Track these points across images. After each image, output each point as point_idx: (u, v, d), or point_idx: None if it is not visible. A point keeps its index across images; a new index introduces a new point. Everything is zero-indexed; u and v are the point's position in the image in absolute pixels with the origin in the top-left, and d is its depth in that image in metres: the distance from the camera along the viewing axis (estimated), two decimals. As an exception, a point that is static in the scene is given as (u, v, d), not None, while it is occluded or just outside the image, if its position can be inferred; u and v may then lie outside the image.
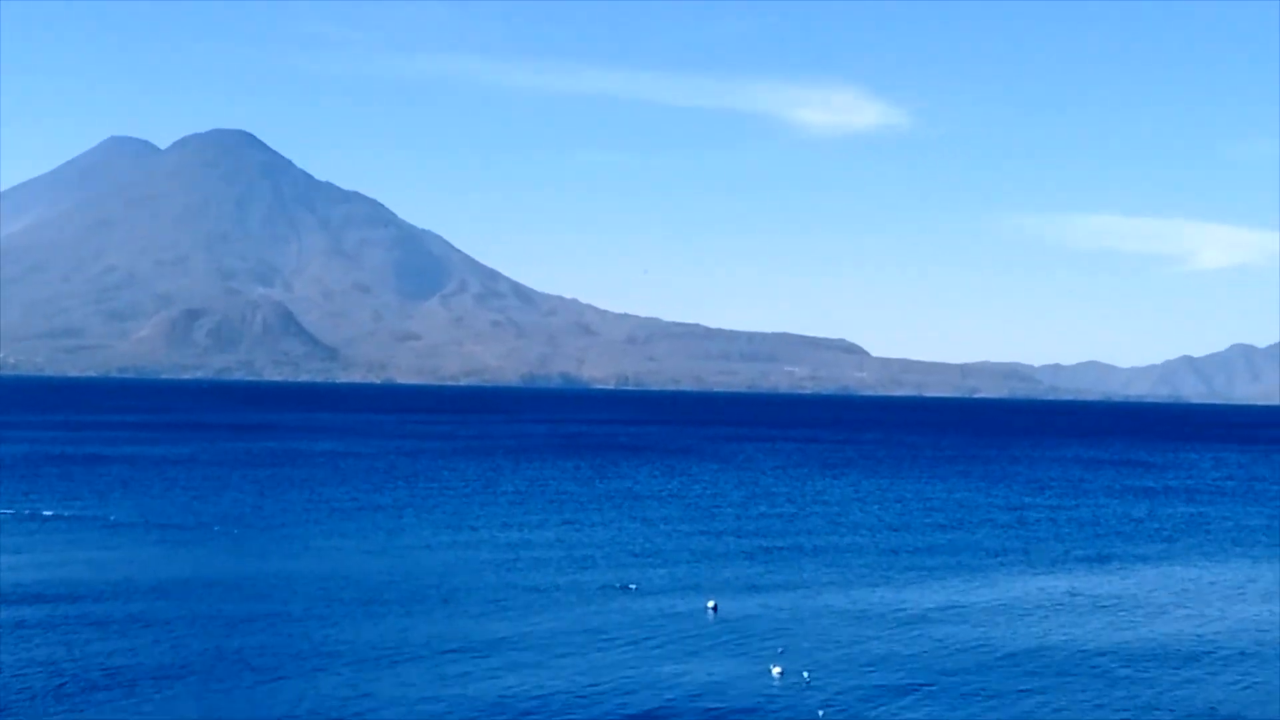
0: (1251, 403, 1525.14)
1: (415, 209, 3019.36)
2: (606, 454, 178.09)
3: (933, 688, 45.32)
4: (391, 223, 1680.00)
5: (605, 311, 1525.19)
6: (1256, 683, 47.74)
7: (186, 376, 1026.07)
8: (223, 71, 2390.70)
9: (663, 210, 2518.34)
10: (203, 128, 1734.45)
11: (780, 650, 50.18)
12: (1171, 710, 43.50)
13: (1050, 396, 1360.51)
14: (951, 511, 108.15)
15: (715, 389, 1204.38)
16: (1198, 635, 56.27)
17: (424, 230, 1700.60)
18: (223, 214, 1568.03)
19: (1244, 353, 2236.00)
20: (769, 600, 61.69)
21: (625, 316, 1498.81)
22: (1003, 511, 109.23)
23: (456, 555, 74.21)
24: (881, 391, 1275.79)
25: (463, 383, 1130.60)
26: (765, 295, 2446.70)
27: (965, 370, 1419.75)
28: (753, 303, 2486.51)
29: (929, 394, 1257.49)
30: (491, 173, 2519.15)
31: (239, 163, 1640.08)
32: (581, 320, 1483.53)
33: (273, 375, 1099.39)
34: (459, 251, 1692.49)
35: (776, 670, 46.87)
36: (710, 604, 59.30)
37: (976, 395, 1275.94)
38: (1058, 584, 69.46)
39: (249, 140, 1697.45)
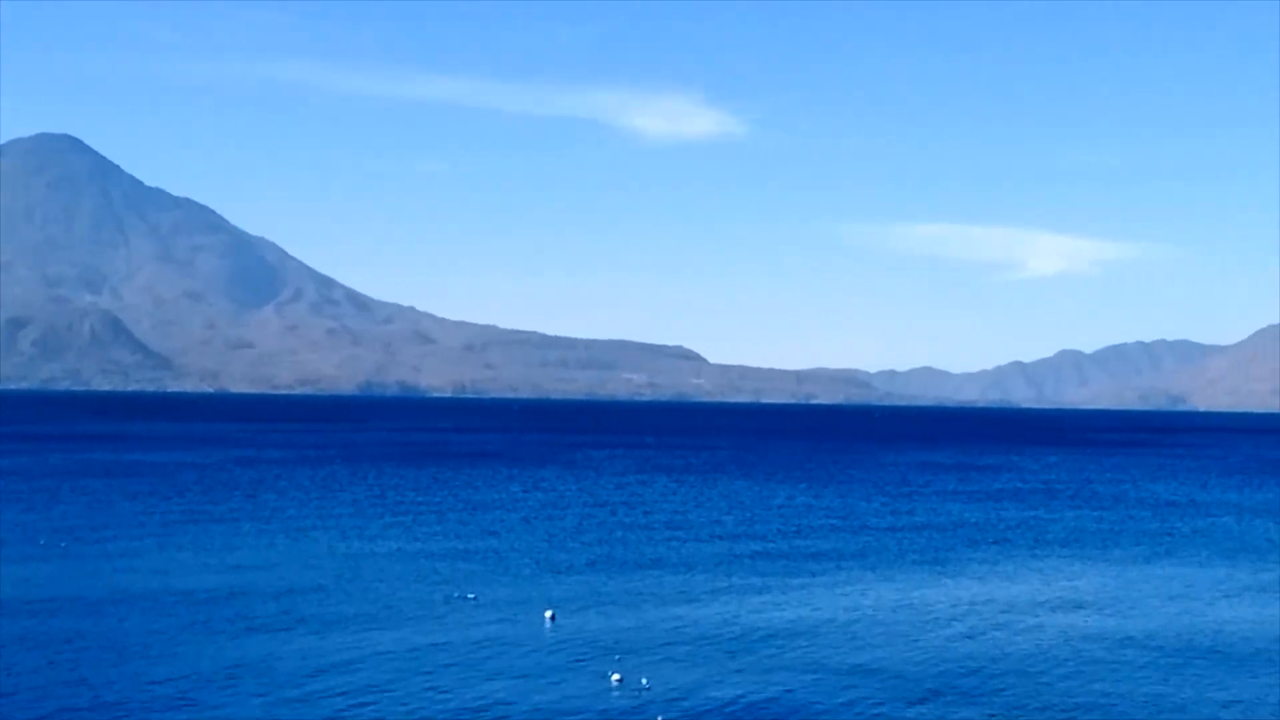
0: (1079, 407, 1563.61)
1: (249, 216, 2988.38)
2: (446, 462, 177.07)
3: (770, 695, 45.59)
4: (224, 229, 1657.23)
5: (443, 319, 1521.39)
6: (1090, 688, 48.70)
7: (11, 387, 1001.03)
8: (48, 75, 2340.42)
9: (500, 217, 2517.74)
10: (27, 132, 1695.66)
11: (619, 658, 50.19)
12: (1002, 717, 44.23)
13: (885, 402, 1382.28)
14: (792, 517, 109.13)
15: (553, 396, 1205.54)
16: (1038, 642, 57.34)
17: (257, 237, 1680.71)
18: (49, 220, 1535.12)
19: (1072, 358, 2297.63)
20: (609, 609, 61.69)
21: (463, 324, 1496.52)
22: (842, 517, 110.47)
23: (294, 567, 73.18)
24: (719, 398, 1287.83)
25: (298, 392, 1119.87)
26: (603, 303, 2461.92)
27: (801, 376, 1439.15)
28: (591, 310, 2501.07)
29: (766, 400, 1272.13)
30: (327, 179, 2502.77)
31: (65, 168, 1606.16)
32: (418, 328, 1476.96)
33: (101, 385, 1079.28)
34: (294, 259, 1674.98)
35: (615, 678, 46.86)
36: (549, 614, 59.15)
37: (813, 401, 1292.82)
38: (896, 588, 70.34)
39: (75, 145, 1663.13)
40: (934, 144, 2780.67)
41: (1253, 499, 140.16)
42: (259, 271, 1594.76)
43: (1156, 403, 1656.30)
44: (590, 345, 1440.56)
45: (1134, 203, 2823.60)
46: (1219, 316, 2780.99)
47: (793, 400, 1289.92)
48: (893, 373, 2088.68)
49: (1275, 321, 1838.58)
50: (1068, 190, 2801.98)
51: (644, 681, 46.43)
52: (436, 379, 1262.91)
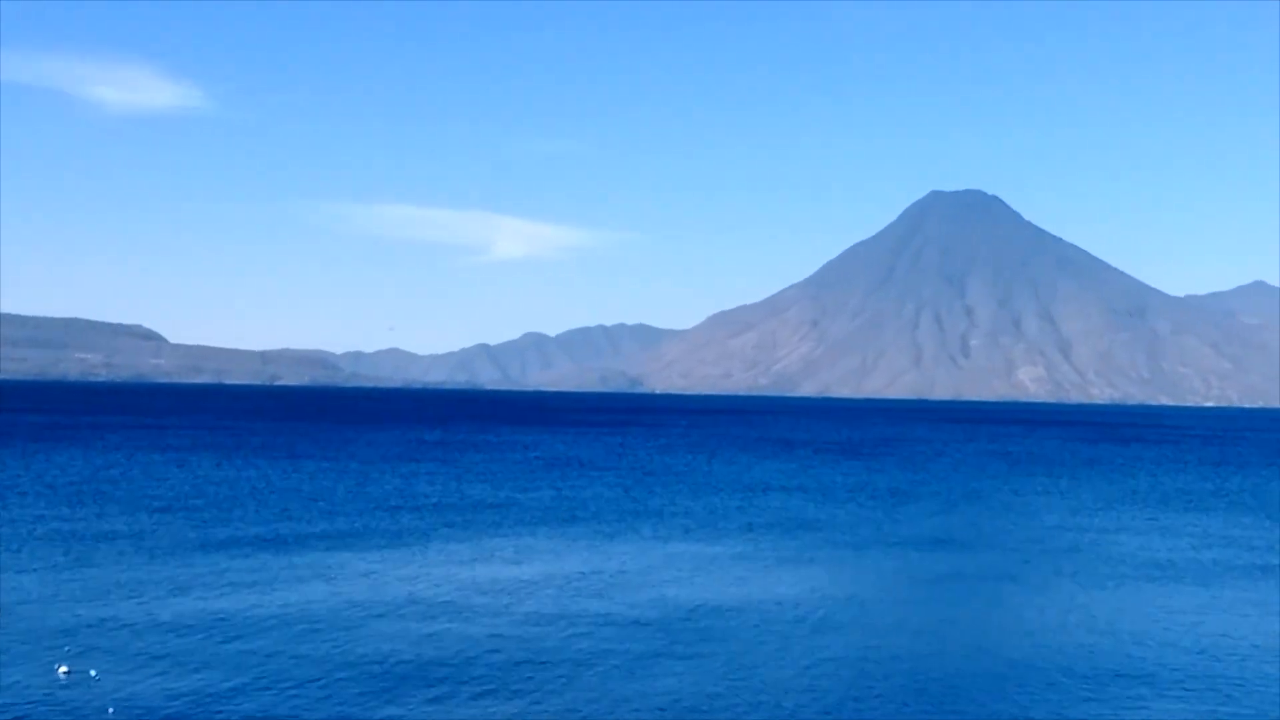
0: (543, 389, 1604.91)
1: None
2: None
3: (224, 685, 42.56)
4: None
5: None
6: (575, 648, 47.92)
7: None
8: None
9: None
10: None
11: (67, 649, 45.89)
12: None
13: (352, 384, 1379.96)
14: (265, 499, 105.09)
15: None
16: (503, 622, 56.43)
17: None
18: None
19: (536, 341, 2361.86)
20: (59, 595, 56.88)
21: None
22: (314, 499, 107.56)
23: None
24: (181, 379, 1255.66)
25: None
26: (55, 279, 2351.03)
27: (266, 357, 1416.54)
28: (41, 286, 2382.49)
29: (230, 381, 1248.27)
30: None
31: None
32: None
33: None
34: None
35: (62, 670, 42.75)
36: (-11, 602, 53.96)
37: (278, 382, 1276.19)
38: (368, 570, 68.21)
39: None
40: (398, 127, 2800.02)
41: (722, 473, 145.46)
42: None
43: (616, 384, 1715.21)
44: (40, 323, 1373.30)
45: (597, 191, 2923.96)
46: (675, 303, 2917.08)
47: (257, 381, 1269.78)
48: (359, 354, 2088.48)
49: (725, 308, 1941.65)
50: (532, 177, 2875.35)
51: (93, 673, 42.61)
52: None
